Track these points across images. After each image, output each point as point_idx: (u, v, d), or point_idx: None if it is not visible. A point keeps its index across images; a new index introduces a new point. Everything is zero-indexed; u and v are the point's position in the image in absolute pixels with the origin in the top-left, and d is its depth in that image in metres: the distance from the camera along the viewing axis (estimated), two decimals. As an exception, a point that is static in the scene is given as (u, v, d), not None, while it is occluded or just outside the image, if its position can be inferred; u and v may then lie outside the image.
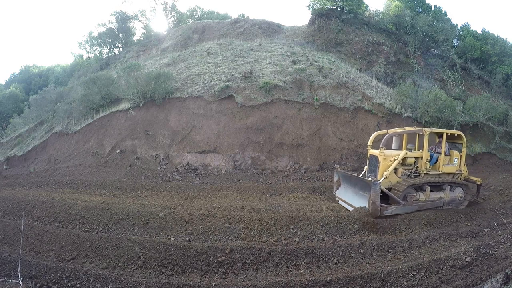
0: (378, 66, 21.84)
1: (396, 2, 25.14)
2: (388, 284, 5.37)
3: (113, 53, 32.64)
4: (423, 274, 5.56)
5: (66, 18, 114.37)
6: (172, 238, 6.82)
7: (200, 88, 14.63)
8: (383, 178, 8.53)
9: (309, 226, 7.26)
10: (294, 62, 17.02)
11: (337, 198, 9.56)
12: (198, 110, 13.88)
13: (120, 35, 32.90)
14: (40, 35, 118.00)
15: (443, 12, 25.98)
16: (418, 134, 10.18)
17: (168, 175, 12.10)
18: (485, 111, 15.41)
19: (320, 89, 15.02)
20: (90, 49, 34.03)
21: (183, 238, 6.85)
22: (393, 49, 23.23)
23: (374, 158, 9.09)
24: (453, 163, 9.60)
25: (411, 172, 9.13)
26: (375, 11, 26.82)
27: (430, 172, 9.22)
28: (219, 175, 12.14)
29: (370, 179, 8.57)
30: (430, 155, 9.38)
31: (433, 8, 26.15)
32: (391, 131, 9.89)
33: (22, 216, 7.76)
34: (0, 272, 5.89)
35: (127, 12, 32.99)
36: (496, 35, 25.78)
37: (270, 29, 26.64)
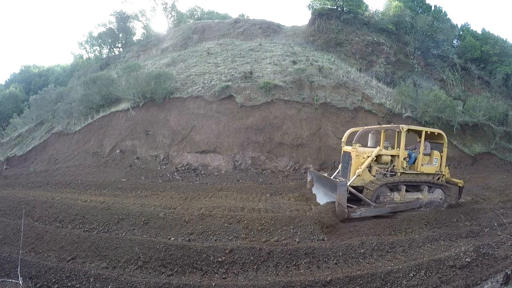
0: (378, 66, 21.85)
1: (396, 2, 25.14)
2: (388, 284, 5.37)
3: (113, 53, 32.65)
4: (423, 274, 5.56)
5: (66, 18, 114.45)
6: (172, 238, 6.82)
7: (200, 88, 14.63)
8: (355, 176, 8.20)
9: (309, 226, 7.26)
10: (294, 62, 17.03)
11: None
12: (198, 110, 13.88)
13: (120, 35, 32.91)
14: (40, 35, 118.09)
15: (443, 12, 26.00)
16: (397, 132, 9.82)
17: (168, 175, 12.09)
18: (485, 111, 15.43)
19: (320, 89, 15.03)
20: (90, 49, 34.06)
21: (183, 238, 6.85)
22: (393, 49, 23.24)
23: (347, 155, 8.77)
24: (433, 164, 9.24)
25: (387, 171, 8.78)
26: (375, 11, 26.84)
27: (407, 172, 8.85)
28: (219, 175, 12.14)
29: (337, 179, 8.22)
30: (408, 154, 9.05)
31: (433, 8, 26.16)
32: (367, 127, 9.56)
33: (22, 216, 7.76)
34: (0, 272, 5.89)
35: (127, 12, 33.05)
36: (496, 35, 25.83)
37: (270, 29, 26.65)
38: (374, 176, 8.58)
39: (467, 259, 5.88)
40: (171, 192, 10.26)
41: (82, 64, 32.40)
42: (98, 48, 33.67)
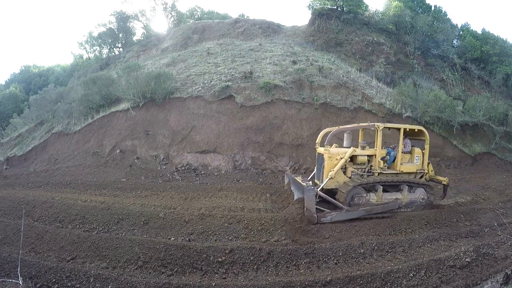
0: (378, 66, 21.85)
1: (396, 2, 25.14)
2: (388, 284, 5.36)
3: (113, 53, 32.65)
4: (423, 274, 5.56)
5: (66, 18, 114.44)
6: (172, 238, 6.82)
7: (200, 88, 14.63)
8: (327, 178, 7.93)
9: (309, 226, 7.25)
10: (294, 62, 17.02)
11: None
12: (198, 110, 13.88)
13: (120, 35, 32.91)
14: (40, 35, 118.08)
15: (443, 12, 25.99)
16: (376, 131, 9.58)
17: (168, 175, 12.09)
18: (485, 111, 15.42)
19: (320, 89, 15.02)
20: (90, 49, 34.07)
21: (183, 238, 6.85)
22: (393, 49, 23.24)
23: (321, 157, 8.47)
24: (414, 162, 8.85)
25: (364, 172, 8.47)
26: (375, 11, 26.85)
27: (386, 172, 8.52)
28: (219, 175, 12.14)
29: (304, 183, 8.02)
30: (388, 152, 8.73)
31: (433, 8, 26.16)
32: (340, 127, 9.26)
33: (22, 216, 7.76)
34: (0, 272, 5.89)
35: (127, 12, 33.07)
36: (496, 35, 25.82)
37: (270, 29, 26.65)
38: (350, 177, 8.28)
39: (467, 259, 5.87)
40: (171, 192, 10.26)
41: (82, 64, 32.40)
42: (98, 48, 33.70)
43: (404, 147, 8.85)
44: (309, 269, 5.89)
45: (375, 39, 23.38)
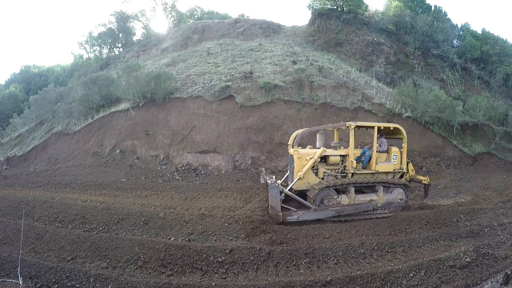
0: (378, 66, 21.86)
1: (396, 2, 25.16)
2: (388, 284, 5.36)
3: (113, 53, 32.65)
4: (423, 274, 5.55)
5: (66, 18, 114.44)
6: (172, 238, 6.82)
7: (200, 88, 14.63)
8: (296, 179, 7.80)
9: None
10: (294, 62, 17.03)
11: None
12: (198, 110, 13.88)
13: (120, 35, 32.91)
14: (40, 35, 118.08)
15: (443, 12, 26.01)
16: (354, 130, 9.21)
17: (168, 175, 12.09)
18: (485, 111, 15.42)
19: (320, 89, 15.03)
20: (90, 49, 34.08)
21: (183, 238, 6.84)
22: (393, 49, 23.25)
23: (292, 158, 8.32)
24: (391, 161, 8.57)
25: (337, 172, 8.32)
26: (375, 11, 26.90)
27: (359, 172, 8.26)
28: (219, 175, 12.14)
29: (270, 181, 7.91)
30: (363, 151, 8.48)
31: (433, 8, 26.18)
32: (313, 128, 9.10)
33: (22, 216, 7.76)
34: (0, 272, 5.89)
35: (127, 12, 33.07)
36: (496, 35, 25.88)
37: (270, 29, 26.66)
38: (322, 178, 8.14)
39: (467, 259, 5.87)
40: (171, 192, 10.26)
41: (82, 64, 32.40)
42: (98, 48, 33.69)
43: (380, 146, 8.62)
44: (309, 269, 5.89)
45: (375, 39, 23.39)
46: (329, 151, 8.34)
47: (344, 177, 8.27)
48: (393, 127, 8.64)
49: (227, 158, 12.71)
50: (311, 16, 25.59)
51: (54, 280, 5.54)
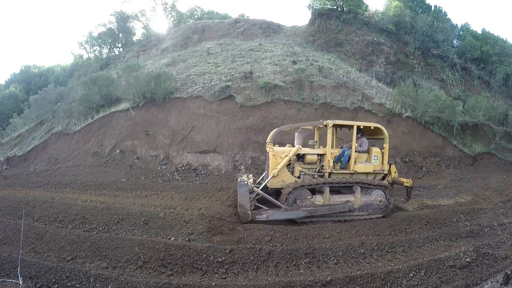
0: (378, 66, 21.85)
1: (396, 2, 25.16)
2: (388, 284, 5.37)
3: (113, 53, 32.64)
4: (423, 274, 5.56)
5: (66, 18, 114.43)
6: (172, 238, 6.82)
7: (200, 88, 14.63)
8: (270, 177, 7.72)
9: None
10: (294, 62, 17.03)
11: None
12: (198, 110, 13.88)
13: (120, 35, 32.89)
14: (40, 35, 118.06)
15: (443, 12, 26.01)
16: (336, 129, 9.08)
17: (168, 175, 12.10)
18: (485, 111, 15.42)
19: (320, 89, 15.03)
20: (90, 49, 34.05)
21: (183, 238, 6.84)
22: (393, 49, 23.25)
23: (268, 156, 8.18)
24: (371, 162, 8.33)
25: (314, 172, 8.16)
26: (375, 11, 26.89)
27: (337, 172, 8.06)
28: (219, 175, 12.13)
29: (239, 179, 7.79)
30: (343, 151, 8.28)
31: (433, 8, 26.18)
32: (290, 125, 8.87)
33: (22, 216, 7.76)
34: (0, 272, 5.89)
35: (127, 12, 33.02)
36: (496, 35, 25.88)
37: (270, 29, 26.65)
38: (298, 177, 8.01)
39: (467, 259, 5.87)
40: (171, 192, 10.26)
41: (82, 64, 32.39)
42: (98, 48, 33.67)
43: (360, 146, 8.43)
44: (309, 269, 5.89)
45: (375, 39, 23.39)
46: (305, 150, 8.24)
47: (321, 176, 8.11)
48: (374, 127, 8.36)
49: (227, 158, 12.71)
50: (311, 16, 25.58)
51: (54, 280, 5.54)
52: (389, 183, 8.76)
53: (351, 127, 8.28)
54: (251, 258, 6.01)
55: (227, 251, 6.08)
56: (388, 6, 26.12)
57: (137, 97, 14.57)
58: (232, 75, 15.43)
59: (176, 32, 28.43)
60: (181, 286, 5.23)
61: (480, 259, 5.98)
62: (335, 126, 8.44)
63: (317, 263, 6.03)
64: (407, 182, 8.68)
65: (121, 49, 32.76)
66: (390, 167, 8.77)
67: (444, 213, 8.57)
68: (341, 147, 8.91)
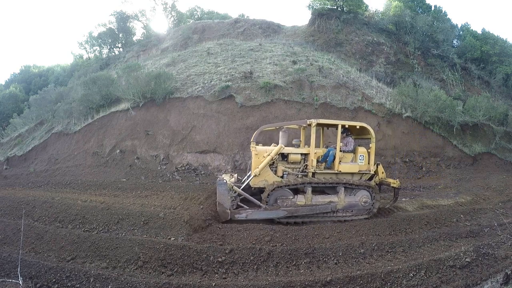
0: (378, 66, 21.85)
1: (396, 2, 25.17)
2: (388, 284, 5.36)
3: (113, 53, 32.64)
4: (423, 274, 5.56)
5: (66, 18, 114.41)
6: (172, 238, 6.82)
7: (200, 88, 14.63)
8: (252, 176, 7.72)
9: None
10: (294, 62, 17.03)
11: None
12: (198, 110, 13.89)
13: (120, 35, 32.89)
14: (40, 35, 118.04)
15: (443, 12, 26.03)
16: (323, 129, 9.05)
17: (168, 175, 12.10)
18: (485, 111, 15.42)
19: (320, 89, 15.03)
20: (90, 49, 34.03)
21: (183, 238, 6.84)
22: (393, 49, 23.25)
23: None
24: (357, 162, 8.23)
25: (298, 171, 8.13)
26: (375, 11, 26.91)
27: (319, 172, 7.97)
28: (219, 175, 12.13)
29: (218, 178, 7.79)
30: (328, 150, 8.21)
31: (433, 8, 26.19)
32: (273, 124, 8.91)
33: (22, 216, 7.76)
34: (0, 272, 5.89)
35: (127, 12, 33.01)
36: (496, 35, 25.90)
37: (270, 29, 26.65)
38: (281, 176, 7.97)
39: (467, 259, 5.87)
40: (171, 192, 10.24)
41: (82, 64, 32.38)
42: (98, 48, 33.65)
43: (346, 145, 8.37)
44: (309, 269, 5.89)
45: (375, 39, 23.39)
46: (288, 149, 8.20)
47: (306, 176, 8.04)
48: (360, 126, 8.24)
49: (227, 158, 12.71)
50: (311, 16, 25.59)
51: (54, 280, 5.54)
52: (376, 184, 8.68)
53: (336, 126, 8.21)
54: (251, 258, 6.01)
55: (227, 251, 6.08)
56: (388, 6, 26.13)
57: (137, 97, 14.57)
58: (232, 75, 15.43)
59: (176, 32, 28.43)
60: (181, 286, 5.23)
61: (480, 259, 5.98)
62: (319, 125, 8.39)
63: (317, 263, 6.03)
64: (394, 183, 8.57)
65: (121, 49, 32.76)
66: (377, 167, 8.71)
67: (444, 213, 8.56)
68: (327, 147, 8.86)
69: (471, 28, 26.99)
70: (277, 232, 6.91)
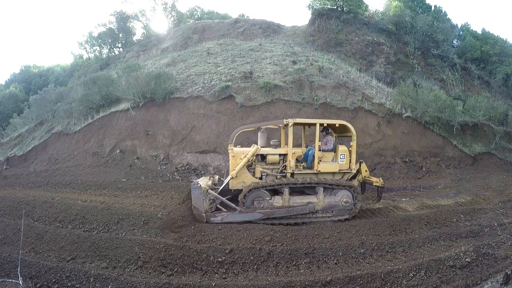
0: (378, 66, 21.85)
1: (396, 2, 25.17)
2: (388, 284, 5.36)
3: (113, 53, 32.63)
4: (423, 274, 5.55)
5: (66, 18, 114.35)
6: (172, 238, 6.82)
7: (200, 88, 14.63)
8: (228, 178, 7.72)
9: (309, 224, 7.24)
10: (294, 62, 17.03)
11: None
12: (198, 110, 13.89)
13: (120, 35, 32.88)
14: (40, 35, 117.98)
15: (443, 12, 26.01)
16: (304, 128, 9.00)
17: (168, 175, 12.10)
18: (485, 111, 15.41)
19: (320, 89, 15.03)
20: (90, 49, 34.02)
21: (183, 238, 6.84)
22: (393, 49, 23.24)
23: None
24: (338, 161, 8.09)
25: (277, 172, 8.01)
26: (375, 11, 26.91)
27: (300, 172, 7.86)
28: (219, 175, 12.13)
29: (193, 182, 7.68)
30: (308, 150, 8.13)
31: (433, 8, 26.18)
32: (250, 125, 8.91)
33: (22, 216, 7.76)
34: (0, 272, 5.89)
35: (127, 12, 33.00)
36: (496, 35, 25.88)
37: (270, 29, 26.65)
38: (260, 178, 7.90)
39: (467, 259, 5.87)
40: (171, 192, 10.25)
41: (82, 64, 32.38)
42: (98, 48, 33.64)
43: (326, 144, 8.28)
44: (309, 269, 5.89)
45: (375, 39, 23.38)
46: (266, 150, 8.14)
47: (284, 176, 7.95)
48: (339, 124, 8.10)
49: (227, 158, 12.68)
50: (311, 16, 25.58)
51: (54, 280, 5.54)
52: (360, 182, 8.58)
53: (314, 125, 8.08)
54: (251, 258, 6.01)
55: (227, 251, 6.08)
56: (388, 6, 26.13)
57: (137, 97, 14.57)
58: (232, 75, 15.43)
59: (176, 32, 28.43)
60: (181, 286, 5.23)
61: (480, 259, 5.98)
62: (297, 124, 8.30)
63: (317, 263, 6.03)
64: (377, 181, 8.41)
65: (121, 49, 32.76)
66: (360, 165, 8.57)
67: (444, 213, 8.56)
68: (307, 146, 8.77)
69: (471, 28, 27.00)
70: (277, 232, 6.91)
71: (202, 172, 12.38)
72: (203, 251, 6.09)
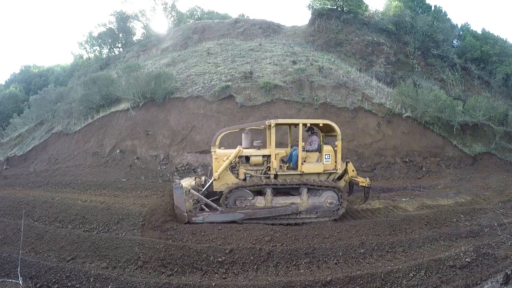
0: (378, 66, 21.84)
1: (396, 2, 25.16)
2: (388, 284, 5.36)
3: (113, 53, 32.63)
4: (423, 274, 5.55)
5: (66, 18, 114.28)
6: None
7: (200, 88, 14.64)
8: (211, 180, 7.75)
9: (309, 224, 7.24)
10: (294, 62, 17.03)
11: None
12: (198, 110, 13.89)
13: (120, 35, 32.88)
14: (40, 35, 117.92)
15: (443, 12, 26.00)
16: (290, 128, 8.97)
17: (168, 175, 12.10)
18: (485, 111, 15.40)
19: (320, 89, 15.03)
20: (90, 49, 34.02)
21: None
22: (393, 49, 23.23)
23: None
24: (323, 161, 7.96)
25: (261, 173, 7.97)
26: (375, 11, 26.90)
27: (283, 173, 7.80)
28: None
29: (175, 182, 7.67)
30: (293, 149, 8.10)
31: (433, 8, 26.17)
32: (234, 127, 8.92)
33: (22, 216, 7.76)
34: (0, 272, 5.89)
35: (127, 12, 33.00)
36: (496, 35, 25.87)
37: (270, 29, 26.65)
38: (244, 179, 7.86)
39: (467, 259, 5.87)
40: (171, 192, 10.23)
41: (82, 64, 32.37)
42: (98, 48, 33.64)
43: (310, 144, 8.21)
44: (309, 269, 5.89)
45: (375, 39, 23.37)
46: (249, 151, 8.10)
47: (268, 178, 7.90)
48: (323, 124, 8.05)
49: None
50: (311, 16, 25.57)
51: (54, 280, 5.54)
52: (347, 183, 8.52)
53: (297, 125, 8.02)
54: (251, 258, 6.01)
55: (227, 251, 6.08)
56: (388, 6, 26.13)
57: (137, 97, 14.57)
58: (232, 75, 15.43)
59: (176, 32, 28.43)
60: (181, 286, 5.23)
61: (480, 259, 5.97)
62: (279, 125, 8.26)
63: (317, 263, 6.03)
64: (363, 182, 8.29)
65: (121, 49, 32.75)
66: (346, 165, 8.48)
67: (444, 213, 8.55)
68: (292, 147, 8.73)
69: (471, 28, 26.99)
70: (277, 232, 6.92)
71: (202, 172, 12.38)
72: (203, 251, 6.09)
